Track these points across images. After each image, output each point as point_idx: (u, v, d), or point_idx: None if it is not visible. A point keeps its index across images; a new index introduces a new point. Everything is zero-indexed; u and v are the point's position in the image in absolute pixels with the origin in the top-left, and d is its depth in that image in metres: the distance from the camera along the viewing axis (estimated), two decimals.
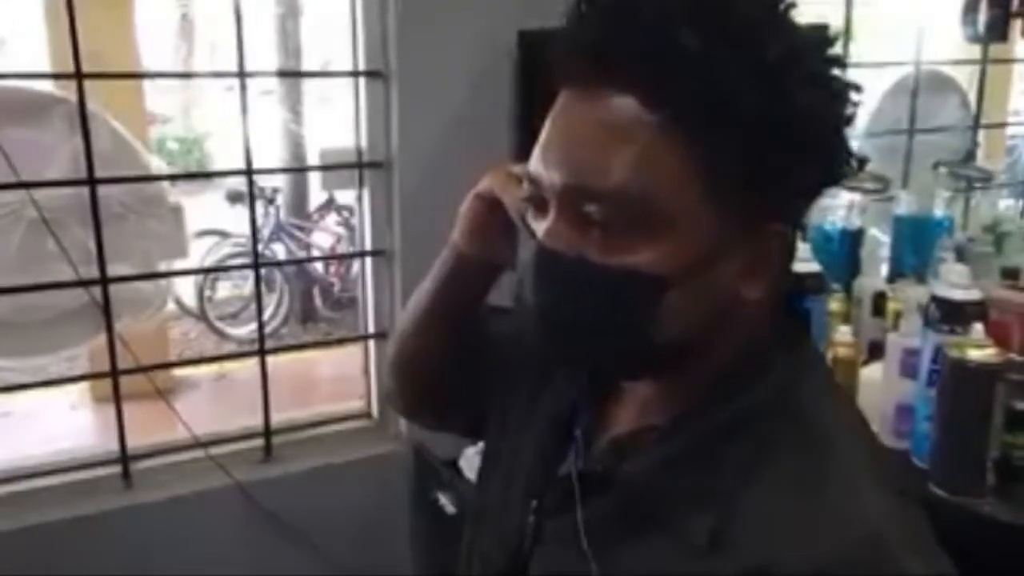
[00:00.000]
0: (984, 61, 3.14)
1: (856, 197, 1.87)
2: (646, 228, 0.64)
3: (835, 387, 0.77)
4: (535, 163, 0.69)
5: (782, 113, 0.62)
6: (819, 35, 0.66)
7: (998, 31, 2.75)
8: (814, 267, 1.49)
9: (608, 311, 0.66)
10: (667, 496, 0.69)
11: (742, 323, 0.70)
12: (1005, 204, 3.03)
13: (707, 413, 0.69)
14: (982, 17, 2.70)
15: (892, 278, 1.87)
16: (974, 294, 1.30)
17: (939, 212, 1.90)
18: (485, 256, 0.87)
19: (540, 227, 0.69)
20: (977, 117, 3.36)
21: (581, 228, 0.66)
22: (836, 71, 0.66)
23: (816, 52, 0.66)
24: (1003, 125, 3.54)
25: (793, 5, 0.66)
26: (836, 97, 0.66)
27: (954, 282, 1.31)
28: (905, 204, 1.92)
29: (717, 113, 0.61)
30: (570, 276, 0.67)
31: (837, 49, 0.68)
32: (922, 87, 3.24)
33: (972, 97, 3.35)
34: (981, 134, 3.41)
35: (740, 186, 0.64)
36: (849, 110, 0.67)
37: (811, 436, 0.67)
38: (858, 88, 0.67)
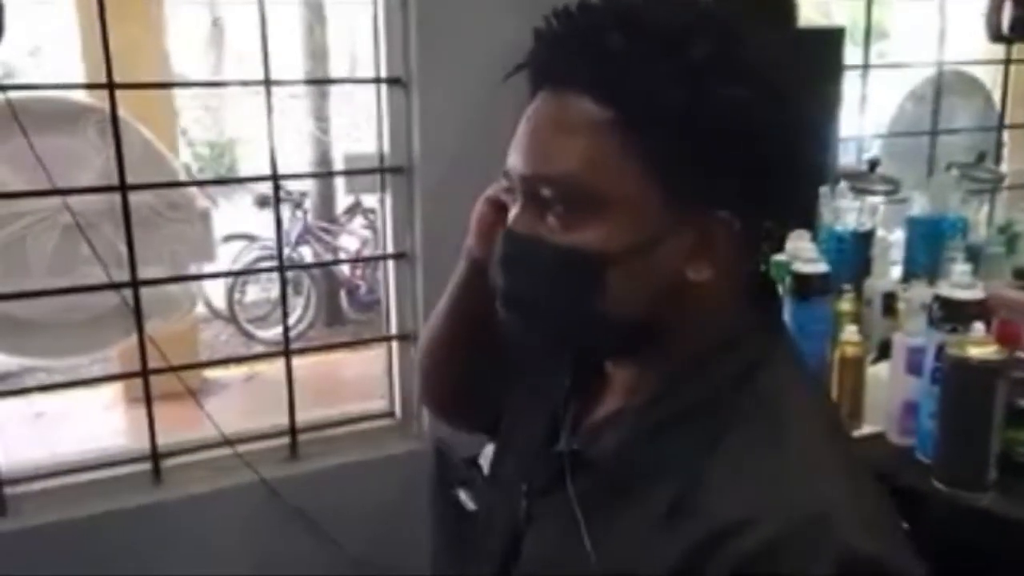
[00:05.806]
0: (1008, 61, 3.13)
1: (867, 199, 1.88)
2: (592, 209, 0.70)
3: (800, 369, 0.80)
4: (509, 158, 0.77)
5: (706, 108, 0.67)
6: (760, 37, 0.71)
7: (1022, 30, 2.74)
8: (821, 268, 1.50)
9: (556, 286, 0.72)
10: (635, 470, 0.73)
11: (702, 307, 0.74)
12: None
13: (676, 393, 0.74)
14: (1006, 17, 2.70)
15: (906, 278, 1.87)
16: (976, 294, 1.31)
17: (952, 213, 1.90)
18: None
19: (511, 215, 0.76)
20: (1001, 117, 3.34)
21: (539, 212, 0.73)
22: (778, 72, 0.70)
23: (748, 52, 0.70)
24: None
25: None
26: (765, 95, 0.69)
27: (956, 282, 1.32)
28: (918, 206, 1.93)
29: (647, 108, 0.67)
30: (526, 255, 0.74)
31: (784, 50, 0.72)
32: (946, 88, 3.23)
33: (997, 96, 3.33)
34: (1006, 134, 3.39)
35: (677, 175, 0.69)
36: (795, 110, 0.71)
37: (771, 413, 0.71)
38: (785, 92, 0.71)
